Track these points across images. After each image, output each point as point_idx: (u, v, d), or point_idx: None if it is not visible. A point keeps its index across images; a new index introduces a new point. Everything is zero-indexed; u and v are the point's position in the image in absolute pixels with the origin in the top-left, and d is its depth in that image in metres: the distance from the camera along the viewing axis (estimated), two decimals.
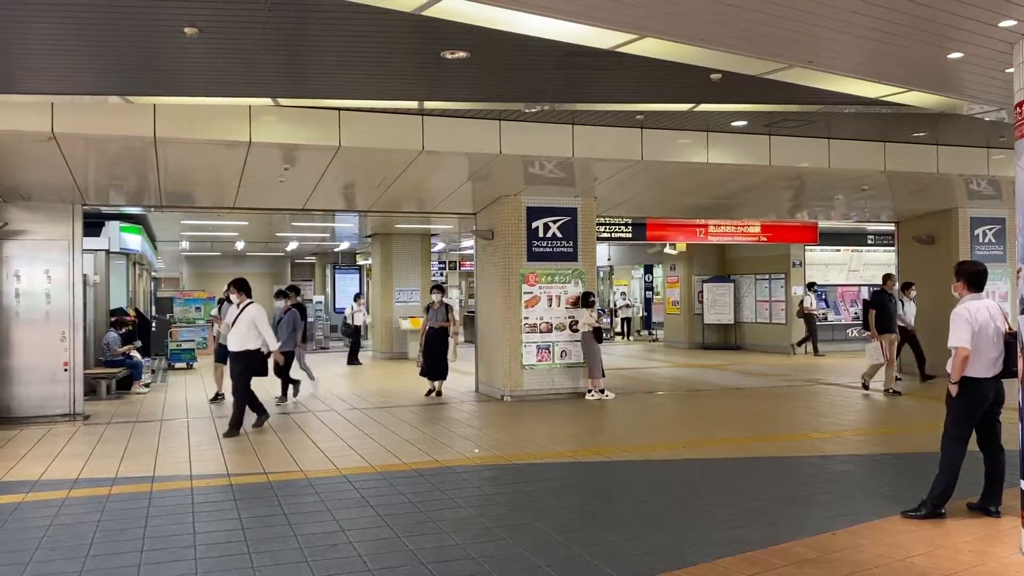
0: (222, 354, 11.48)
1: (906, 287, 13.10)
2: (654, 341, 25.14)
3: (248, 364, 9.23)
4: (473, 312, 14.61)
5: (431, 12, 4.69)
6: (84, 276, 11.33)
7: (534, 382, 11.86)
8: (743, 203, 14.85)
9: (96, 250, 14.84)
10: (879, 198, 13.66)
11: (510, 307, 11.80)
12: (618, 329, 26.10)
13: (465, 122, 9.17)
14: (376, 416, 10.31)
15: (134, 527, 5.43)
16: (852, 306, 20.68)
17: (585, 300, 11.84)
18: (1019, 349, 4.83)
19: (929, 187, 12.74)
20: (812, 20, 4.75)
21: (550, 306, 11.98)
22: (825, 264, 20.55)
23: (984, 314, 5.36)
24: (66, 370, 10.42)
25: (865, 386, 12.25)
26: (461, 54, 6.21)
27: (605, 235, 17.07)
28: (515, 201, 11.79)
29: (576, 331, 11.94)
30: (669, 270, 22.96)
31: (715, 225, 18.06)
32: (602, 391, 11.74)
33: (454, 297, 28.45)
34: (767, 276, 20.33)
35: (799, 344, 19.18)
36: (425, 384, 12.36)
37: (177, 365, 17.03)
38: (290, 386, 11.89)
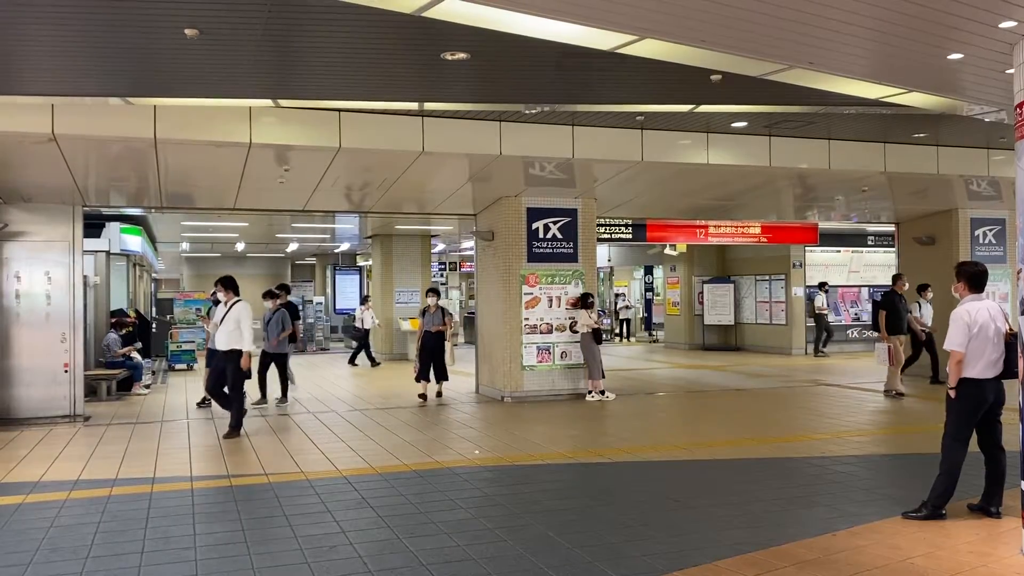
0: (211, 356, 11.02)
1: (922, 288, 12.89)
2: (654, 342, 25.14)
3: (239, 363, 9.06)
4: (473, 313, 14.60)
5: (431, 13, 4.69)
6: (84, 277, 11.33)
7: (534, 383, 11.86)
8: (743, 204, 14.86)
9: (96, 251, 14.84)
10: (879, 199, 13.66)
11: (510, 308, 11.80)
12: (617, 330, 26.08)
13: (465, 123, 9.17)
14: (376, 417, 10.31)
15: (135, 528, 5.42)
16: (852, 307, 20.68)
17: (584, 301, 11.83)
18: (1020, 350, 4.84)
19: (929, 188, 12.74)
20: (813, 21, 4.75)
21: (550, 307, 11.98)
22: (825, 265, 20.54)
23: (984, 315, 5.36)
24: (66, 371, 10.42)
25: (897, 393, 11.72)
26: (461, 55, 6.21)
27: (605, 236, 17.06)
28: (515, 202, 11.79)
29: (576, 332, 11.94)
30: (669, 271, 22.95)
31: (715, 226, 18.06)
32: (602, 392, 11.74)
33: (454, 298, 28.46)
34: (767, 277, 20.34)
35: (823, 346, 18.99)
36: (419, 389, 11.92)
37: (177, 366, 17.02)
38: (289, 385, 11.87)
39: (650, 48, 5.31)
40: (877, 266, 20.93)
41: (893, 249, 17.12)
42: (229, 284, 9.32)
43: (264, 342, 11.81)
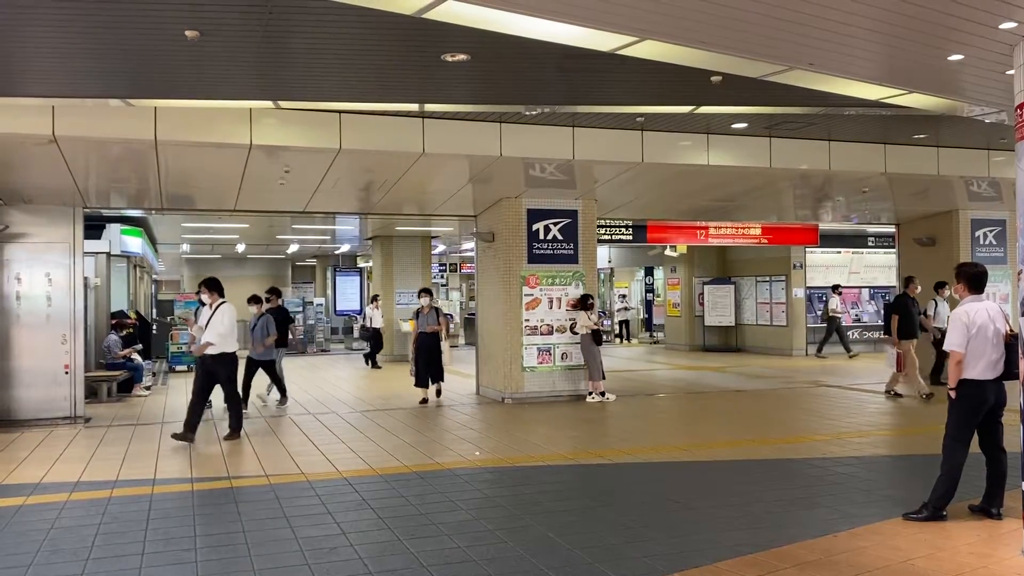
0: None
1: (939, 286, 12.59)
2: (655, 343, 25.13)
3: (231, 366, 8.99)
4: (474, 315, 14.58)
5: (432, 15, 4.69)
6: (85, 279, 11.34)
7: (535, 384, 11.85)
8: (744, 205, 14.86)
9: (97, 253, 14.84)
10: (880, 200, 13.66)
11: (511, 309, 11.80)
12: (617, 332, 26.06)
13: (466, 124, 9.17)
14: (377, 419, 10.31)
15: (135, 530, 5.43)
16: (853, 308, 20.67)
17: (584, 302, 11.83)
18: (1020, 351, 4.83)
19: (929, 189, 12.74)
20: (813, 23, 4.75)
21: (551, 308, 11.97)
22: (826, 266, 20.53)
23: (983, 316, 5.36)
24: (67, 373, 10.42)
25: (926, 395, 11.47)
26: (462, 57, 6.22)
27: (606, 237, 17.08)
28: (516, 203, 11.80)
29: (576, 333, 11.93)
30: (670, 272, 22.95)
31: (716, 227, 18.07)
32: (603, 393, 11.74)
33: (455, 300, 28.44)
34: (768, 278, 20.33)
35: (847, 351, 18.78)
36: (419, 394, 11.86)
37: (178, 368, 17.03)
38: (274, 388, 11.77)
39: (650, 49, 5.31)
40: (878, 267, 20.92)
41: (894, 250, 17.13)
42: (213, 286, 9.05)
43: (251, 348, 11.56)
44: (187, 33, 5.40)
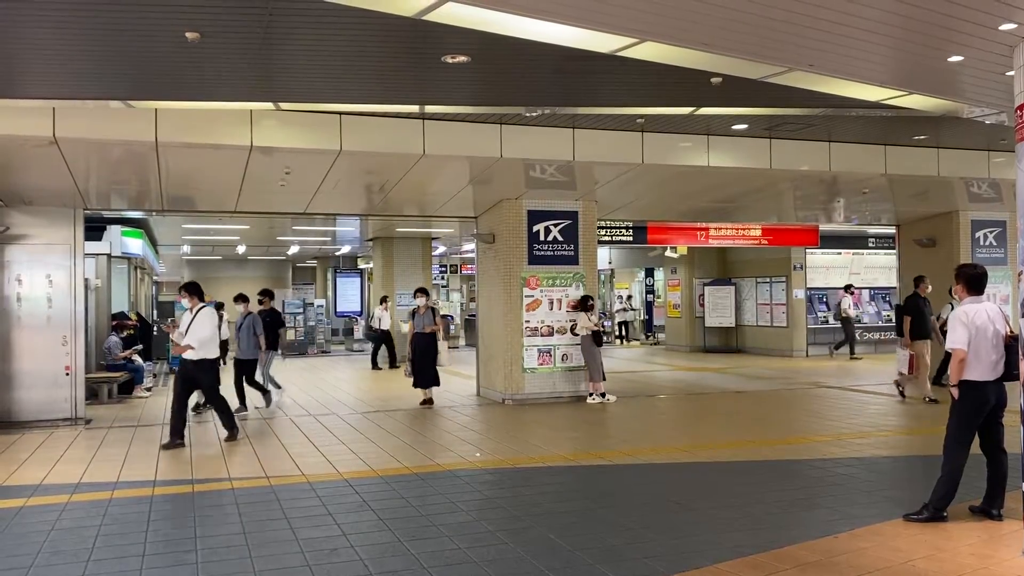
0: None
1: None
2: (655, 344, 25.13)
3: (213, 372, 8.97)
4: (474, 316, 14.57)
5: (432, 17, 4.70)
6: (85, 280, 11.34)
7: (535, 386, 11.85)
8: (744, 206, 14.87)
9: (97, 254, 14.83)
10: (880, 201, 13.66)
11: (511, 310, 11.80)
12: (616, 333, 26.05)
13: (466, 126, 9.18)
14: (377, 420, 10.31)
15: (136, 531, 5.43)
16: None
17: (584, 303, 11.83)
18: (1021, 352, 4.83)
19: (930, 190, 12.74)
20: (813, 24, 4.76)
21: (551, 309, 11.97)
22: (826, 267, 20.53)
23: (983, 317, 5.36)
24: (68, 374, 10.42)
25: (930, 400, 11.20)
26: (462, 58, 6.22)
27: (606, 238, 17.08)
28: (516, 204, 11.80)
29: (576, 335, 11.94)
30: (670, 273, 22.95)
31: (716, 228, 18.08)
32: (603, 395, 11.74)
33: (455, 301, 28.44)
34: (768, 279, 20.33)
35: (851, 352, 18.71)
36: (419, 394, 11.77)
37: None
38: (263, 394, 11.62)
39: (650, 51, 5.32)
40: (878, 268, 20.91)
41: (894, 251, 17.12)
42: (193, 290, 8.92)
43: (237, 349, 11.47)
44: (188, 35, 5.40)
